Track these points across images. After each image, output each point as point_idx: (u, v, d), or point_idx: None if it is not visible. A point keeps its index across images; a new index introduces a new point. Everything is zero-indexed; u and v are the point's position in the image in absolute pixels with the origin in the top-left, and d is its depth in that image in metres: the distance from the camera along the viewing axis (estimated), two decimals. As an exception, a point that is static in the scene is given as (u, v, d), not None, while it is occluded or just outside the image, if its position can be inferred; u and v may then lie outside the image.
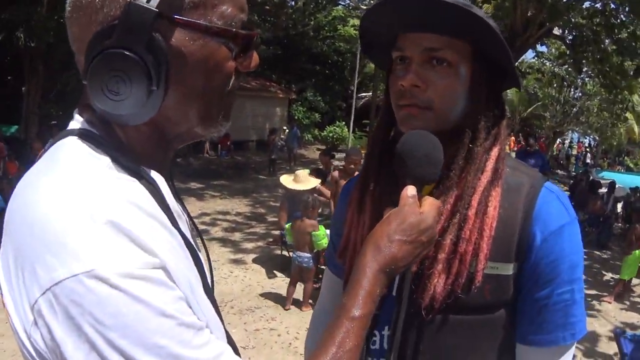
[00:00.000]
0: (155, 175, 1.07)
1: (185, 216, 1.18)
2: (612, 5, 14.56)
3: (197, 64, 1.02)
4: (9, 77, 19.81)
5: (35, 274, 0.88)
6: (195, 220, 1.25)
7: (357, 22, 33.10)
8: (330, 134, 32.30)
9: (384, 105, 1.66)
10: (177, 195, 1.18)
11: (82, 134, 1.04)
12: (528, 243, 1.45)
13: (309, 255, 8.01)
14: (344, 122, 33.87)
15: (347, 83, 35.90)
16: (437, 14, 1.43)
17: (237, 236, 12.10)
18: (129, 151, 1.06)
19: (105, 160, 1.00)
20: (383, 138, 1.66)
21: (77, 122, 1.09)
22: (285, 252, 9.89)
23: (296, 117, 32.31)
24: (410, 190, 1.30)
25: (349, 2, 30.06)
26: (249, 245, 11.36)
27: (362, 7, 23.83)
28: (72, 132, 1.05)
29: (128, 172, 1.01)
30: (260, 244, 11.44)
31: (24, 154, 13.59)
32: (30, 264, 0.89)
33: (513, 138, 35.12)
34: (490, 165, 1.49)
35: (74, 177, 0.95)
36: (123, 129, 1.07)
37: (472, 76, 1.49)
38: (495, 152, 1.51)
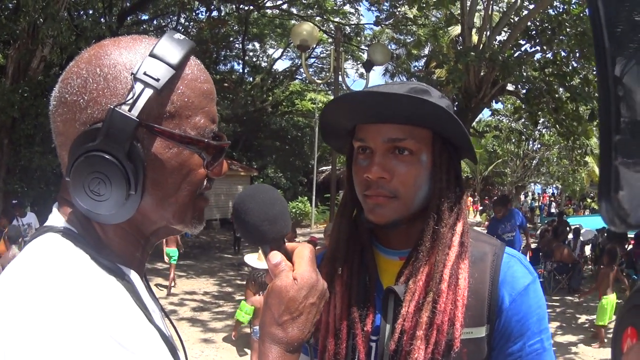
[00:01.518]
0: (132, 273, 1.12)
1: (158, 309, 1.21)
2: (563, 53, 14.97)
3: (172, 170, 1.09)
4: None
5: None
6: (163, 301, 1.26)
7: (314, 95, 33.62)
8: (294, 210, 32.31)
9: (346, 190, 1.74)
10: (150, 289, 1.23)
11: (61, 232, 1.08)
12: (498, 305, 1.56)
13: None
14: (306, 197, 34.07)
15: (308, 158, 36.19)
16: (396, 105, 1.52)
17: (205, 315, 12.06)
18: (107, 249, 1.11)
19: (84, 258, 1.03)
20: (348, 222, 1.73)
21: (56, 218, 1.13)
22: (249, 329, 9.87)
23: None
24: (274, 257, 1.23)
25: (305, 76, 30.54)
26: (218, 325, 11.32)
27: (318, 81, 24.20)
28: (52, 229, 1.09)
29: (107, 271, 1.04)
30: (229, 322, 11.33)
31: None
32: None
33: (470, 199, 35.50)
34: (456, 240, 1.57)
35: (53, 277, 0.96)
36: (102, 227, 1.12)
37: (433, 160, 1.59)
38: (459, 227, 1.60)
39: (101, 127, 1.01)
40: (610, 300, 10.26)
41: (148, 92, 1.03)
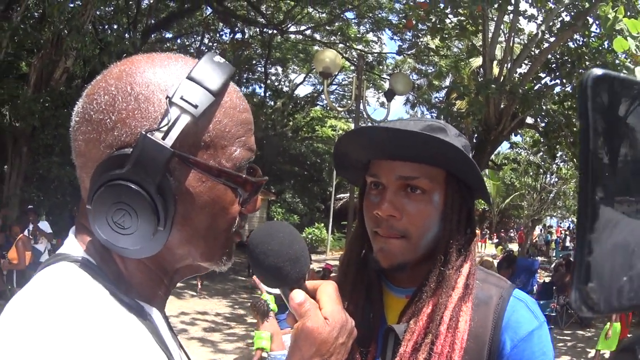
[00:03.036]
0: (152, 311, 1.04)
1: (178, 347, 1.13)
2: (582, 86, 14.90)
3: (204, 206, 1.00)
4: None
5: None
6: (174, 320, 1.22)
7: (334, 122, 33.72)
8: (310, 236, 32.25)
9: (357, 224, 1.72)
10: (170, 327, 1.14)
11: (78, 262, 0.99)
12: (498, 351, 1.50)
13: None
14: (322, 224, 34.01)
15: (326, 184, 36.22)
16: (410, 144, 1.50)
17: (216, 336, 12.03)
18: (128, 284, 1.02)
19: (103, 293, 0.94)
20: (357, 257, 1.71)
21: (73, 245, 1.03)
22: (265, 354, 9.77)
23: (275, 219, 32.31)
24: (298, 296, 1.15)
25: (326, 102, 30.68)
26: (229, 346, 11.28)
27: (339, 108, 24.29)
28: (68, 258, 1.00)
29: (126, 307, 0.95)
30: (239, 345, 11.36)
31: (3, 235, 13.40)
32: None
33: (478, 231, 35.44)
34: (461, 282, 1.54)
35: (67, 313, 0.87)
36: (123, 260, 1.03)
37: (445, 201, 1.56)
38: (466, 269, 1.56)
39: (130, 154, 0.92)
40: (615, 327, 10.20)
41: (185, 119, 0.94)
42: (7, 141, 16.62)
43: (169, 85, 0.97)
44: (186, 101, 0.95)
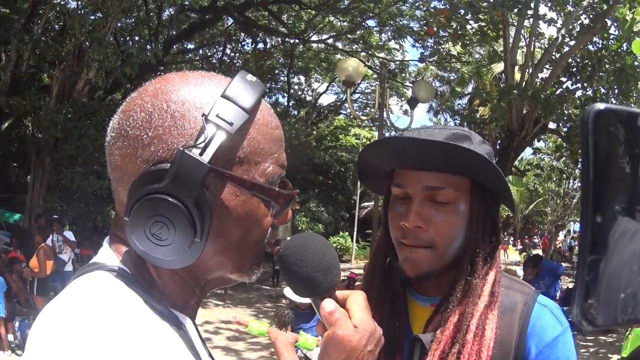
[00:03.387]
0: (185, 320, 1.07)
1: (207, 355, 1.16)
2: (603, 90, 14.82)
3: (238, 219, 1.04)
4: (14, 164, 20.10)
5: None
6: (198, 328, 1.21)
7: (358, 131, 33.71)
8: (334, 245, 32.17)
9: (381, 234, 1.73)
10: (201, 336, 1.17)
11: (114, 271, 1.02)
12: (524, 357, 1.52)
13: None
14: (347, 233, 34.05)
15: (350, 193, 36.24)
16: (435, 153, 1.51)
17: (240, 345, 12.07)
18: (161, 293, 1.06)
19: (137, 301, 0.97)
20: (382, 267, 1.71)
21: (108, 255, 1.07)
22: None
23: (300, 228, 32.34)
24: (329, 305, 1.16)
25: (349, 111, 30.68)
26: (252, 355, 11.32)
27: (362, 117, 24.30)
28: (103, 267, 1.03)
29: (160, 316, 0.99)
30: (264, 353, 11.37)
31: (27, 243, 13.63)
32: None
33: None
34: (487, 289, 1.54)
35: (103, 319, 0.90)
36: (157, 270, 1.07)
37: (471, 210, 1.57)
38: (491, 276, 1.57)
39: (168, 169, 0.96)
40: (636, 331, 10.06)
41: (220, 136, 0.98)
42: (30, 152, 16.92)
43: (204, 103, 1.01)
44: (222, 119, 0.98)
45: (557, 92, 15.28)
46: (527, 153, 31.28)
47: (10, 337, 10.35)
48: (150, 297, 1.00)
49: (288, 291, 9.42)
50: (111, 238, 1.09)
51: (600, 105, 0.71)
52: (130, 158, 1.00)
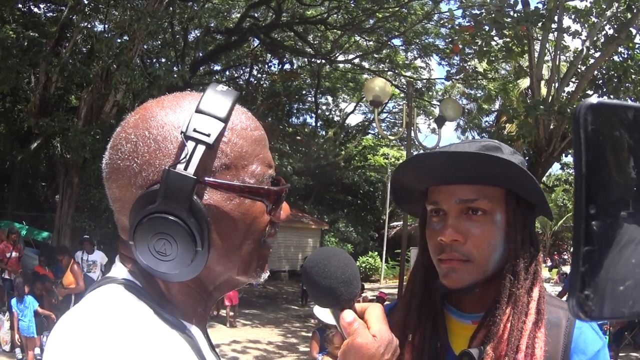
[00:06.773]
0: (193, 328, 1.10)
1: None
2: (630, 101, 14.66)
3: (236, 221, 1.09)
4: (43, 184, 20.35)
5: None
6: (226, 348, 1.27)
7: (386, 150, 33.62)
8: (363, 265, 32.10)
9: (419, 254, 1.73)
10: (212, 346, 1.21)
11: (124, 284, 1.07)
12: None
13: None
14: (376, 252, 33.91)
15: (379, 213, 36.13)
16: (465, 165, 1.52)
17: (267, 365, 12.06)
18: (170, 304, 1.10)
19: (147, 311, 1.02)
20: (421, 288, 1.71)
21: (119, 270, 1.12)
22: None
23: (329, 248, 32.28)
24: (348, 316, 1.20)
25: (377, 131, 30.67)
26: None
27: (390, 137, 24.27)
28: (115, 280, 1.09)
29: (169, 325, 1.03)
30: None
31: (54, 261, 13.76)
32: None
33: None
34: (533, 307, 1.54)
35: (114, 328, 0.95)
36: (165, 282, 1.11)
37: (507, 220, 1.56)
38: (536, 292, 1.56)
39: (159, 189, 1.01)
40: None
41: (201, 149, 1.03)
42: (58, 172, 17.16)
43: (181, 122, 1.06)
44: (199, 132, 1.03)
45: (584, 105, 15.13)
46: (555, 168, 31.04)
47: (37, 350, 10.44)
48: (160, 307, 1.05)
49: (318, 311, 9.43)
50: (120, 257, 1.14)
51: (593, 100, 0.72)
52: (127, 188, 1.06)
